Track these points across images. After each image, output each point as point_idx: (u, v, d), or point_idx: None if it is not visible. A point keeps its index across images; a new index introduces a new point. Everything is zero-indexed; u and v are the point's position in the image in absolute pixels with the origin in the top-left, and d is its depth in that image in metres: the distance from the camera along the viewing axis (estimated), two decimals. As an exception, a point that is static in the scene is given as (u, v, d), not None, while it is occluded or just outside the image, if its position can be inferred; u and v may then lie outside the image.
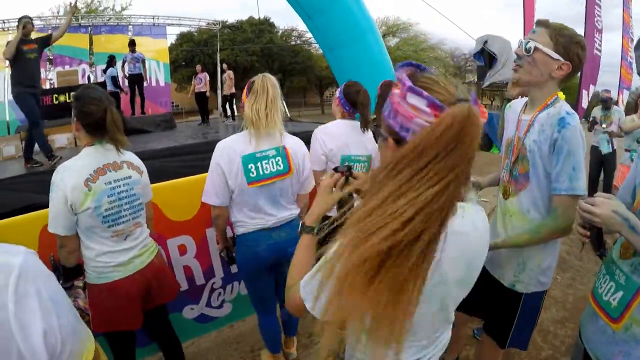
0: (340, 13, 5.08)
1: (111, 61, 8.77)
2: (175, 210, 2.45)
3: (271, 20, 29.95)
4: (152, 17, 14.44)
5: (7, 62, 5.09)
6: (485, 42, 4.16)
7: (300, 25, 29.21)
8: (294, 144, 2.18)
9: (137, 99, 9.98)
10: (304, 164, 2.22)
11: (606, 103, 5.79)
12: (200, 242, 2.59)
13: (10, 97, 11.20)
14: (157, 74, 13.87)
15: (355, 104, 2.44)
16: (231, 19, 29.51)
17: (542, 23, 1.61)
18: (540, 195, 1.69)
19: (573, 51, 1.55)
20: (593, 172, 5.93)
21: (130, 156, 1.97)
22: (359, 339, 0.86)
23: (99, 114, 1.74)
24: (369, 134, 2.47)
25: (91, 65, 11.93)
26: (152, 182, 2.41)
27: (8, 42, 4.92)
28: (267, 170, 2.06)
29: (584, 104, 8.06)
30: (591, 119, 6.02)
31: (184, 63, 26.83)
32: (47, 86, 11.43)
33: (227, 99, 10.77)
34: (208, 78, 10.33)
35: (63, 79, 9.84)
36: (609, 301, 1.31)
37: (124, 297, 1.86)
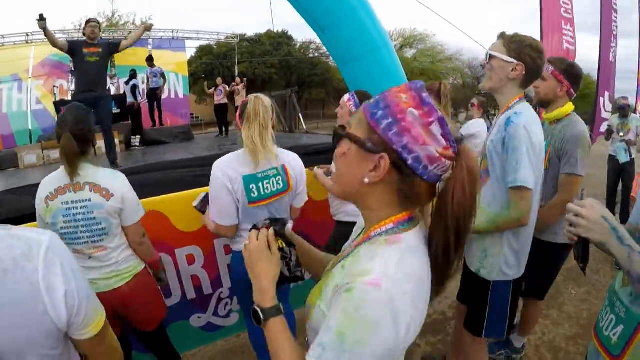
0: (353, 27, 5.10)
1: (134, 74, 9.01)
2: (184, 221, 2.50)
3: (289, 34, 30.44)
4: (172, 31, 14.87)
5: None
6: None
7: (318, 39, 29.48)
8: (291, 160, 2.18)
9: (157, 111, 10.21)
10: (301, 178, 2.23)
11: (624, 110, 5.59)
12: (208, 252, 2.63)
13: (34, 106, 11.78)
14: (177, 86, 14.21)
15: None
16: (249, 32, 29.97)
17: (499, 35, 1.86)
18: (499, 191, 1.83)
19: (525, 52, 1.75)
20: (611, 182, 5.75)
21: (101, 177, 1.89)
22: None
23: (59, 138, 1.80)
24: None
25: (112, 77, 12.27)
26: (165, 192, 2.49)
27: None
28: (267, 190, 2.06)
29: (603, 112, 7.87)
30: (607, 127, 5.88)
31: (203, 75, 27.35)
32: (69, 97, 11.83)
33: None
34: (228, 90, 10.47)
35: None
36: (609, 336, 1.21)
37: None
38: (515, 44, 1.77)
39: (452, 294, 2.69)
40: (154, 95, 9.98)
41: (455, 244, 0.79)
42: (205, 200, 2.27)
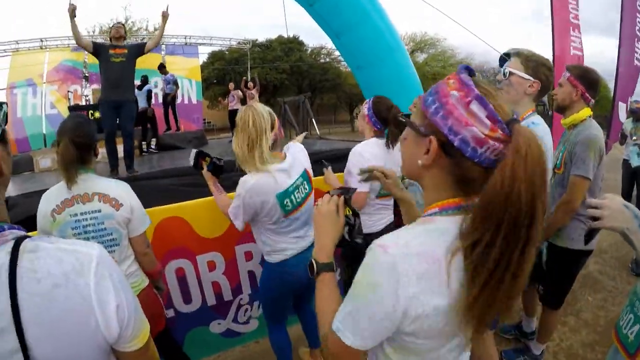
0: (367, 31, 5.11)
1: (145, 80, 9.08)
2: (206, 227, 2.51)
3: (300, 39, 30.52)
4: (185, 37, 15.06)
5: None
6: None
7: (329, 43, 29.52)
8: (300, 155, 2.17)
9: (172, 117, 10.31)
10: (309, 166, 2.24)
11: (636, 114, 5.54)
12: (229, 259, 2.64)
13: (48, 110, 11.99)
14: (190, 91, 14.37)
15: (387, 121, 2.37)
16: (261, 37, 30.13)
17: (515, 53, 2.05)
18: None
19: (540, 71, 1.96)
20: (625, 185, 5.65)
21: (108, 187, 1.87)
22: None
23: (59, 143, 1.75)
24: (395, 151, 2.39)
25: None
26: (183, 198, 2.50)
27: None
28: (299, 198, 2.07)
29: (622, 117, 7.72)
30: (621, 131, 5.81)
31: (215, 81, 27.58)
32: (83, 102, 12.02)
33: None
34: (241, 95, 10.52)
35: (98, 97, 10.29)
36: (627, 335, 1.24)
37: None
38: (532, 63, 1.97)
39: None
40: (167, 101, 10.07)
41: (509, 256, 0.71)
42: (198, 158, 2.31)
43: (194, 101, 14.51)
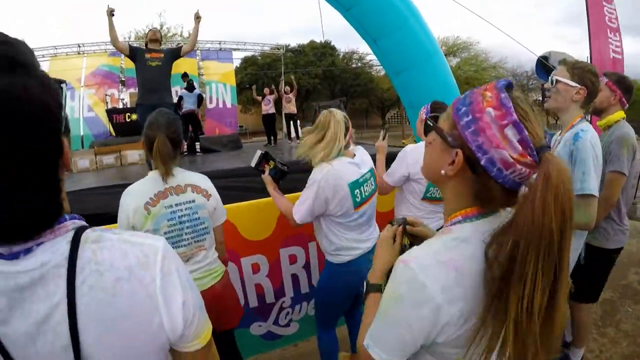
0: (405, 36, 5.06)
1: (185, 76, 9.20)
2: (251, 229, 2.54)
3: (332, 44, 30.63)
4: (219, 42, 15.36)
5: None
6: (546, 58, 4.04)
7: (361, 48, 29.58)
8: (367, 159, 2.24)
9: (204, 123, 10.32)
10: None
11: None
12: (273, 261, 2.66)
13: (86, 113, 12.46)
14: (224, 96, 14.64)
15: None
16: (293, 42, 30.46)
17: (561, 61, 2.12)
18: None
19: (586, 77, 2.00)
20: None
21: (197, 179, 1.96)
22: None
23: (152, 140, 1.79)
24: None
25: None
26: (227, 201, 2.54)
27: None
28: (366, 192, 2.12)
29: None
30: None
31: (248, 85, 28.00)
32: (120, 105, 12.43)
33: (291, 118, 10.97)
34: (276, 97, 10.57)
35: (135, 100, 10.60)
36: None
37: None
38: (578, 70, 2.02)
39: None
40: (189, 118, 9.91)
41: (532, 283, 0.70)
42: (262, 160, 2.29)
43: (229, 105, 14.78)
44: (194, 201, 1.88)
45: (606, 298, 3.73)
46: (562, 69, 2.08)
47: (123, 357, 0.68)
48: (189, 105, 8.49)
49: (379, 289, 1.07)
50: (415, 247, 0.84)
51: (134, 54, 4.62)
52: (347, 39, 38.29)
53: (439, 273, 0.76)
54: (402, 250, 1.13)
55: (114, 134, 10.13)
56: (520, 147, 0.75)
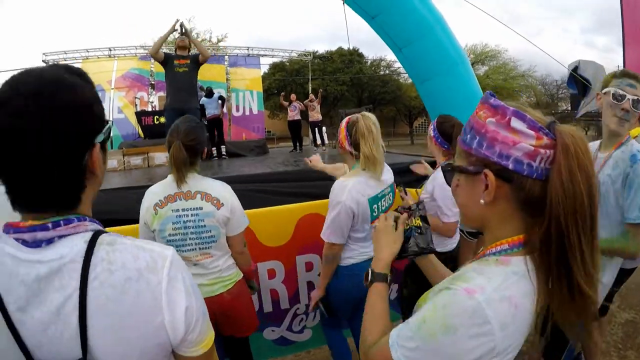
0: (430, 44, 5.04)
1: (210, 90, 9.42)
2: (268, 235, 2.57)
3: (360, 51, 30.66)
4: (247, 49, 15.57)
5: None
6: (577, 67, 3.89)
7: (389, 55, 29.48)
8: (389, 175, 2.25)
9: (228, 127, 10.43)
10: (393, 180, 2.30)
11: None
12: (289, 268, 2.68)
13: (116, 115, 12.85)
14: (251, 102, 14.81)
15: (452, 139, 2.34)
16: (321, 49, 30.63)
17: (635, 77, 1.86)
18: (607, 223, 1.89)
19: None
20: None
21: (211, 186, 1.96)
22: None
23: (170, 145, 1.85)
24: None
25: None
26: (248, 207, 2.57)
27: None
28: (383, 207, 2.14)
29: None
30: None
31: (276, 91, 28.29)
32: (149, 108, 12.75)
33: (316, 126, 11.05)
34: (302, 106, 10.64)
35: (163, 103, 10.85)
36: None
37: None
38: None
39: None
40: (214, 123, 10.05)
41: (569, 255, 0.72)
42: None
43: (255, 111, 14.94)
44: (201, 208, 1.90)
45: (628, 319, 3.61)
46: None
47: (124, 349, 0.73)
48: (211, 110, 8.66)
49: (385, 278, 1.08)
50: (471, 275, 0.78)
51: (165, 60, 4.82)
52: (375, 46, 38.26)
53: (502, 309, 0.73)
54: (410, 233, 1.16)
55: (142, 135, 10.43)
56: (532, 132, 0.75)
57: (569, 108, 19.96)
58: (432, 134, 2.43)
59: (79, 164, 0.73)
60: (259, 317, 2.68)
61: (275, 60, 22.47)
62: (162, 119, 8.30)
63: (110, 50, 13.81)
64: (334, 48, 31.04)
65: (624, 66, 5.62)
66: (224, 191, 1.99)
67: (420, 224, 1.17)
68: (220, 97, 9.09)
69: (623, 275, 2.42)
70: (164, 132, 4.67)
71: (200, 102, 8.82)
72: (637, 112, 1.84)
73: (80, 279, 0.70)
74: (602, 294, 2.03)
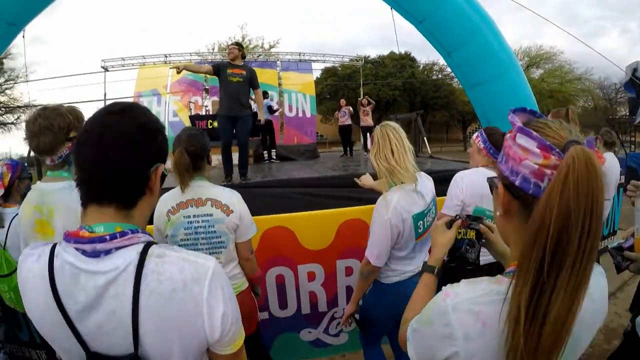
0: (479, 49, 4.89)
1: (265, 94, 9.69)
2: (311, 239, 2.64)
3: (412, 55, 30.24)
4: (299, 54, 15.85)
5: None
6: (636, 69, 3.65)
7: (442, 60, 28.79)
8: (430, 186, 2.19)
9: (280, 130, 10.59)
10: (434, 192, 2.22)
11: None
12: (329, 271, 2.73)
13: (171, 118, 13.46)
14: (304, 105, 14.99)
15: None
16: (373, 54, 30.48)
17: None
18: None
19: None
20: None
21: (220, 194, 2.00)
22: None
23: (174, 153, 1.90)
24: None
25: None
26: (293, 210, 2.65)
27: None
28: (427, 223, 2.08)
29: None
30: None
31: (328, 96, 28.48)
32: (203, 112, 13.23)
33: (367, 131, 11.01)
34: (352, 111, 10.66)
35: (216, 108, 11.22)
36: None
37: None
38: None
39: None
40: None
41: (554, 276, 0.67)
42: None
43: (308, 115, 15.08)
44: (211, 215, 1.96)
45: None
46: None
47: (168, 347, 0.86)
48: (263, 115, 8.89)
49: (432, 270, 1.19)
50: (463, 282, 0.82)
51: (217, 71, 4.98)
52: (426, 51, 37.49)
53: (467, 320, 0.76)
54: (462, 241, 1.21)
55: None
56: (539, 151, 0.73)
57: (628, 113, 18.13)
58: (482, 146, 2.37)
59: (144, 174, 0.89)
60: (296, 318, 2.79)
61: (327, 65, 22.66)
62: (215, 123, 8.62)
63: (166, 56, 14.60)
64: (386, 52, 30.89)
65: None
66: (233, 198, 2.03)
67: (474, 237, 1.21)
68: (269, 107, 9.24)
69: None
70: (217, 136, 4.90)
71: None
72: None
73: (133, 288, 0.82)
74: None
